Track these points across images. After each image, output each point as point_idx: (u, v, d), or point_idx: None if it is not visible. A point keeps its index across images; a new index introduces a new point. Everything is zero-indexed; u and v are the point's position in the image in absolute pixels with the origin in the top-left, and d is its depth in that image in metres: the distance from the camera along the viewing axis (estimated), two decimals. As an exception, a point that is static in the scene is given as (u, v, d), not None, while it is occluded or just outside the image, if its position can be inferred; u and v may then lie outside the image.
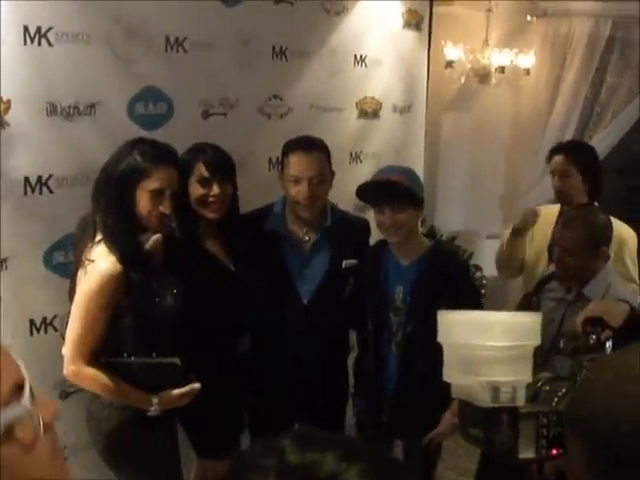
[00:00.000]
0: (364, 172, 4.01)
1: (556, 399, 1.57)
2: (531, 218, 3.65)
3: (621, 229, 3.49)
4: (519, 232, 3.68)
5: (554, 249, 3.01)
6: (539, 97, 5.17)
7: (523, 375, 1.57)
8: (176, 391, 2.46)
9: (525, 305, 3.25)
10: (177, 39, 2.95)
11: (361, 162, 4.09)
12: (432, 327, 2.95)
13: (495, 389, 1.52)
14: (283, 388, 3.07)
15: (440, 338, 1.69)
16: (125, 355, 2.43)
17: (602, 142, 4.81)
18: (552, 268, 3.32)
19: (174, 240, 2.72)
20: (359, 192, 3.02)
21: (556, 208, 3.66)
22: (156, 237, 2.57)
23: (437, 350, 2.99)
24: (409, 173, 3.10)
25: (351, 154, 4.01)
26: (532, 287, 3.31)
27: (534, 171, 5.28)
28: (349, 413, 3.29)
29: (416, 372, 3.00)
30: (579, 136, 5.03)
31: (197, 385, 2.49)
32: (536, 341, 1.62)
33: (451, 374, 1.66)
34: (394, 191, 2.91)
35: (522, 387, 1.55)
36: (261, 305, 2.95)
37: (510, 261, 3.81)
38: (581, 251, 2.90)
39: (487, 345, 1.55)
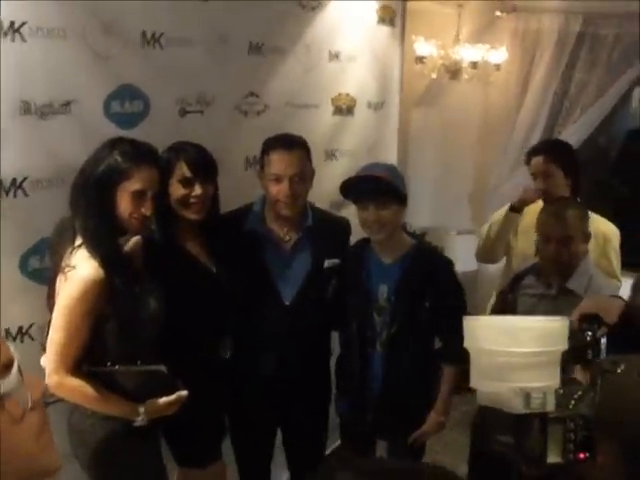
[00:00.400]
0: (339, 170, 3.97)
1: (573, 402, 1.55)
2: (530, 195, 3.63)
3: (605, 226, 3.51)
4: (516, 209, 3.66)
5: (546, 246, 3.01)
6: (509, 93, 5.17)
7: (552, 380, 1.57)
8: (163, 399, 2.39)
9: (501, 302, 3.25)
10: (154, 35, 2.86)
11: (336, 159, 4.04)
12: (417, 326, 2.98)
13: (526, 395, 1.51)
14: (266, 391, 3.02)
15: (467, 344, 1.65)
16: (109, 363, 2.34)
17: (571, 137, 4.79)
18: (526, 264, 3.32)
19: (153, 242, 2.64)
20: (342, 188, 2.98)
21: (539, 205, 3.64)
22: (136, 239, 2.49)
23: (422, 349, 3.01)
24: (392, 170, 3.09)
25: (326, 151, 3.95)
26: (507, 284, 3.31)
27: (503, 167, 5.29)
28: (331, 414, 3.24)
29: (402, 371, 3.00)
30: (549, 131, 5.05)
31: (184, 392, 2.42)
32: (564, 346, 1.63)
33: (479, 381, 1.62)
34: (378, 186, 2.88)
35: (552, 392, 1.54)
36: (243, 307, 2.90)
37: (496, 242, 3.81)
38: (576, 238, 2.99)
39: (518, 351, 1.54)
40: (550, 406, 1.53)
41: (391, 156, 4.45)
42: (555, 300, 3.05)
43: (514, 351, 1.53)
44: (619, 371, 1.32)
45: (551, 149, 3.68)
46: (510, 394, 1.51)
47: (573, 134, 4.80)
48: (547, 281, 3.11)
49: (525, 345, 1.54)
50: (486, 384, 1.59)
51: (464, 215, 5.61)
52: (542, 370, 1.55)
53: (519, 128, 5.15)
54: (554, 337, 1.60)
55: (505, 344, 1.55)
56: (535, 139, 5.01)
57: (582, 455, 1.47)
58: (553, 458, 1.49)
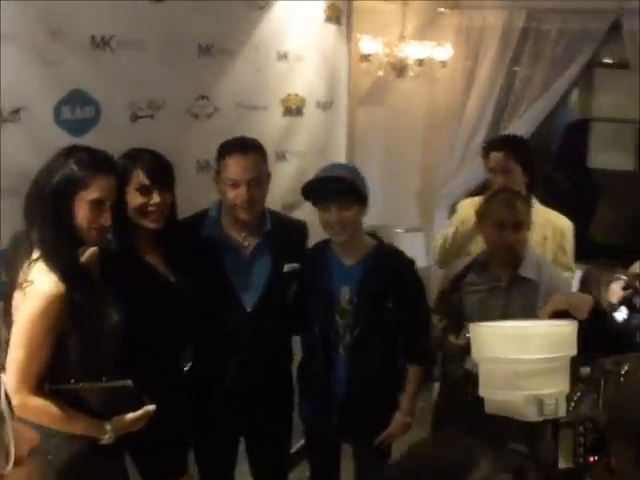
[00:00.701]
0: (290, 171, 3.95)
1: (572, 404, 1.54)
2: None
3: (560, 220, 3.56)
4: None
5: (500, 233, 3.03)
6: (455, 89, 5.17)
7: (564, 385, 1.55)
8: (130, 415, 2.31)
9: (446, 302, 3.24)
10: (103, 38, 2.78)
11: (286, 161, 4.00)
12: (380, 327, 2.96)
13: (540, 402, 1.49)
14: (228, 398, 2.96)
15: (475, 354, 1.63)
16: (72, 380, 2.25)
17: (517, 132, 4.79)
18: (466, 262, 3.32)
19: (109, 252, 2.55)
20: (303, 191, 2.94)
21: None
22: (92, 250, 2.41)
23: (385, 350, 2.99)
24: (352, 170, 3.08)
25: (276, 153, 3.90)
26: (448, 283, 3.30)
27: (450, 163, 5.30)
28: (295, 417, 3.20)
29: (366, 373, 2.98)
30: (495, 127, 5.07)
31: (152, 407, 2.34)
32: (573, 351, 1.61)
33: (489, 390, 1.60)
34: (340, 187, 2.86)
35: (563, 398, 1.52)
36: (204, 315, 2.83)
37: (460, 249, 3.79)
38: (524, 225, 3.07)
39: (530, 359, 1.52)
40: (562, 411, 1.52)
41: (340, 155, 4.43)
42: (508, 291, 3.07)
43: (528, 358, 1.52)
44: (622, 372, 1.32)
45: (511, 145, 3.69)
46: (522, 402, 1.50)
47: (519, 129, 4.81)
48: (495, 273, 3.12)
49: (539, 352, 1.53)
50: (497, 393, 1.57)
51: (412, 212, 5.61)
52: (554, 376, 1.53)
53: (465, 124, 5.15)
54: (566, 342, 1.60)
55: (516, 351, 1.53)
56: (481, 135, 5.04)
57: (592, 459, 1.47)
58: (564, 463, 1.48)
